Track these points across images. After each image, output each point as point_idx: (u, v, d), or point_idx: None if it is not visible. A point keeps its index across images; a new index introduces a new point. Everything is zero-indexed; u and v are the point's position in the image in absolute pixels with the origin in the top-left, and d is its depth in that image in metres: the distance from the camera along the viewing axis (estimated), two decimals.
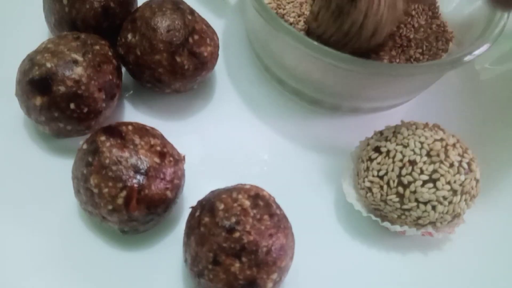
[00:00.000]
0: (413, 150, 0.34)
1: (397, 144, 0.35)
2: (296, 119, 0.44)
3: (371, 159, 0.36)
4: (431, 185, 0.33)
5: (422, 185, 0.33)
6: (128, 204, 0.32)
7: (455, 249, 0.38)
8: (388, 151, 0.35)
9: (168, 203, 0.34)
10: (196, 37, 0.38)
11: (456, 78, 0.47)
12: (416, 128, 0.36)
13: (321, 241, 0.38)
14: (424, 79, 0.40)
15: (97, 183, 0.32)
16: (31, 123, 0.39)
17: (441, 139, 0.34)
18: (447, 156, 0.34)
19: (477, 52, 0.36)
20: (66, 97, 0.35)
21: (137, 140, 0.34)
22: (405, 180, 0.34)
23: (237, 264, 0.29)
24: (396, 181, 0.34)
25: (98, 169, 0.32)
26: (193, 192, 0.36)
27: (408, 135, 0.35)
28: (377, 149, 0.36)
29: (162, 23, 0.38)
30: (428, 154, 0.34)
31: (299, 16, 0.42)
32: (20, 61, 0.37)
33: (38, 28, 0.44)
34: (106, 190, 0.32)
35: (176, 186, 0.34)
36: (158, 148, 0.34)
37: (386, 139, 0.36)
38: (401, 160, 0.34)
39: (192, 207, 0.33)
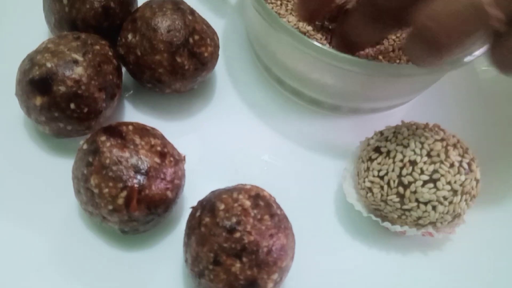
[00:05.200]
0: (413, 150, 0.34)
1: (397, 144, 0.35)
2: (296, 119, 0.44)
3: (371, 159, 0.36)
4: (431, 185, 0.33)
5: (423, 185, 0.33)
6: (129, 204, 0.32)
7: (455, 249, 0.38)
8: (388, 151, 0.35)
9: (168, 203, 0.34)
10: (196, 37, 0.38)
11: (456, 78, 0.47)
12: (417, 128, 0.36)
13: (321, 241, 0.38)
14: (425, 79, 0.40)
15: (97, 183, 0.32)
16: (31, 123, 0.39)
17: (442, 139, 0.34)
18: (447, 156, 0.34)
19: (477, 53, 0.36)
20: (66, 97, 0.35)
21: (137, 140, 0.33)
22: (405, 180, 0.34)
23: (238, 264, 0.29)
24: (396, 181, 0.34)
25: (98, 169, 0.32)
26: (193, 192, 0.36)
27: (409, 135, 0.35)
28: (377, 149, 0.36)
29: (163, 23, 0.38)
30: (429, 154, 0.34)
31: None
32: (20, 61, 0.37)
33: (38, 28, 0.44)
34: (106, 190, 0.32)
35: (177, 186, 0.34)
36: (159, 148, 0.34)
37: (387, 139, 0.36)
38: (401, 160, 0.34)
39: (193, 207, 0.33)
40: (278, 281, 0.31)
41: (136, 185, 0.32)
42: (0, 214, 0.36)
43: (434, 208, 0.34)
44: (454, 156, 0.34)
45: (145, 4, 0.40)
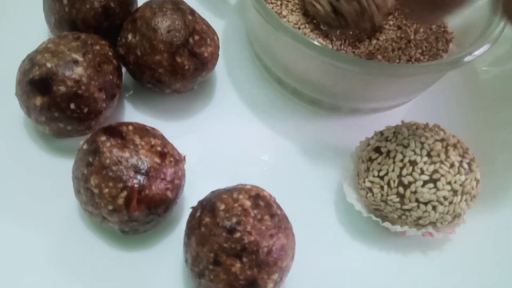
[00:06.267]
0: (413, 151, 0.34)
1: (397, 145, 0.35)
2: (296, 120, 0.44)
3: (371, 160, 0.36)
4: (431, 185, 0.33)
5: (423, 185, 0.33)
6: (129, 205, 0.32)
7: (456, 249, 0.38)
8: (388, 152, 0.35)
9: (168, 203, 0.34)
10: (196, 37, 0.38)
11: (457, 79, 0.47)
12: (417, 128, 0.36)
13: (321, 241, 0.38)
14: (425, 79, 0.40)
15: (97, 183, 0.32)
16: (31, 123, 0.39)
17: (442, 139, 0.34)
18: (447, 156, 0.34)
19: (477, 53, 0.36)
20: (66, 97, 0.35)
21: (137, 140, 0.33)
22: (405, 180, 0.34)
23: (238, 265, 0.29)
24: (396, 181, 0.34)
25: (98, 169, 0.32)
26: (193, 192, 0.36)
27: (409, 135, 0.35)
28: (377, 150, 0.36)
29: (163, 23, 0.38)
30: (429, 154, 0.34)
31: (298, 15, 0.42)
32: (20, 61, 0.37)
33: (38, 28, 0.44)
34: (106, 190, 0.32)
35: (177, 186, 0.34)
36: (159, 148, 0.34)
37: (387, 140, 0.36)
38: (401, 160, 0.34)
39: (193, 207, 0.33)
40: (278, 281, 0.31)
41: (136, 185, 0.32)
42: (0, 214, 0.36)
43: (434, 208, 0.34)
44: (454, 156, 0.34)
45: (145, 4, 0.40)
